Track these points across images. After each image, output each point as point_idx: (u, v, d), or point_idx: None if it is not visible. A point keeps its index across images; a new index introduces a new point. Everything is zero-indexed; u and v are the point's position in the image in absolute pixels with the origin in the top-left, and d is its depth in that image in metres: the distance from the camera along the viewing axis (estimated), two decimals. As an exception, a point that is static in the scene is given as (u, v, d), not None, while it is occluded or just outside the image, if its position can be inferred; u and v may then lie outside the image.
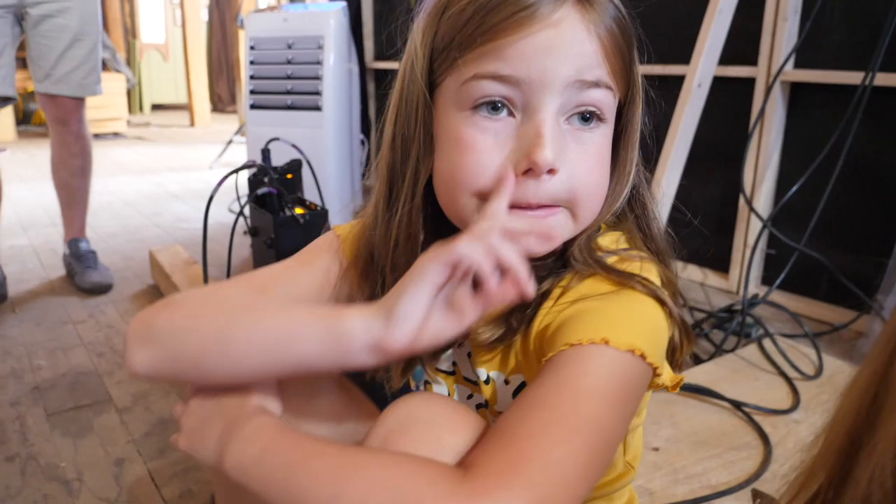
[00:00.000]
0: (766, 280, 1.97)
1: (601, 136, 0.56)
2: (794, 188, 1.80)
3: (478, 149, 0.53)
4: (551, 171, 0.52)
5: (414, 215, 0.58)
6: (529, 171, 0.52)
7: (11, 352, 1.75)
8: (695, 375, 1.43)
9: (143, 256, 2.47)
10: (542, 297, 0.57)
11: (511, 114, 0.53)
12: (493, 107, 0.53)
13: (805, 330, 1.64)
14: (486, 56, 0.51)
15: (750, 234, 1.98)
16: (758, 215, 1.88)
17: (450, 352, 0.66)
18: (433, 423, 0.51)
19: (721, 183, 2.08)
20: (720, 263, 2.11)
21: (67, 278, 2.29)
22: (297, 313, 0.53)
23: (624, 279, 0.54)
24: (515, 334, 0.58)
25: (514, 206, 0.53)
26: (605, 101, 0.55)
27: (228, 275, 1.46)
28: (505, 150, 0.53)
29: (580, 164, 0.54)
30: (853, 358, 1.54)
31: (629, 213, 0.62)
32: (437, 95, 0.56)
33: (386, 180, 0.61)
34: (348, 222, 0.71)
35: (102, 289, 2.16)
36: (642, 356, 0.49)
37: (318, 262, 0.68)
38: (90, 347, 1.78)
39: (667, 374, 0.55)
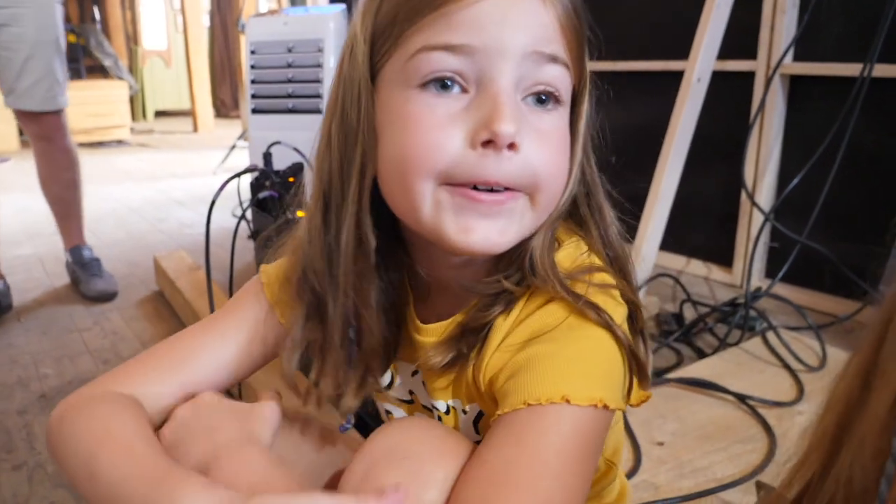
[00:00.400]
0: (770, 273, 1.97)
1: (559, 118, 0.52)
2: (795, 181, 1.80)
3: (429, 124, 0.47)
4: (512, 147, 0.47)
5: (362, 218, 0.52)
6: (489, 143, 0.46)
7: (18, 360, 1.76)
8: (699, 370, 1.43)
9: (147, 263, 2.48)
10: (497, 320, 0.53)
11: (464, 90, 0.48)
12: (443, 84, 0.47)
13: (808, 322, 1.64)
14: (435, 25, 0.47)
15: (752, 227, 1.98)
16: (759, 209, 1.87)
17: (399, 382, 0.63)
18: (419, 455, 0.48)
19: (722, 177, 2.07)
20: (723, 257, 2.11)
21: (72, 286, 2.30)
22: (132, 464, 0.47)
23: (580, 309, 0.50)
24: (467, 360, 0.54)
25: (473, 182, 0.47)
26: (563, 80, 0.51)
27: (231, 279, 1.46)
28: (458, 124, 0.47)
29: (541, 146, 0.49)
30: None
31: (589, 217, 0.57)
32: (379, 81, 0.51)
33: (323, 186, 0.54)
34: (278, 260, 0.66)
35: (108, 296, 2.17)
36: (605, 406, 0.47)
37: (242, 314, 0.63)
38: (96, 355, 1.79)
39: (632, 396, 0.54)
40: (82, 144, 6.12)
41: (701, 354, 1.56)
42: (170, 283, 2.09)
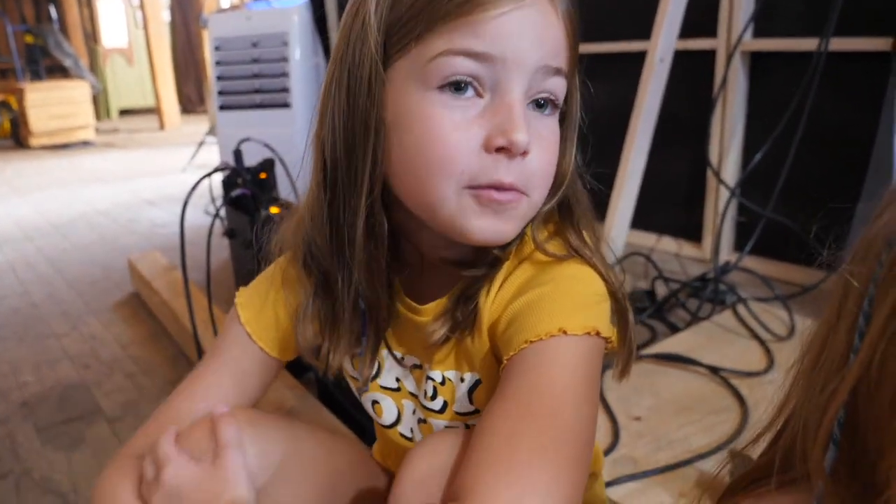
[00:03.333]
0: (738, 246, 2.02)
1: (554, 121, 0.56)
2: (759, 155, 1.84)
3: (449, 127, 0.50)
4: (524, 154, 0.51)
5: (376, 207, 0.54)
6: (503, 149, 0.50)
7: (-4, 369, 1.75)
8: (672, 344, 1.47)
9: (121, 265, 2.47)
10: (485, 286, 0.57)
11: (478, 94, 0.51)
12: (458, 87, 0.50)
13: (776, 293, 1.68)
14: (460, 31, 0.49)
15: (719, 203, 2.02)
16: (725, 185, 1.91)
17: (394, 368, 0.66)
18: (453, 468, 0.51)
19: (689, 154, 2.11)
20: (693, 233, 2.15)
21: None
22: None
23: (561, 257, 0.56)
24: (464, 328, 0.58)
25: (488, 186, 0.51)
26: (561, 88, 0.54)
27: (208, 278, 1.47)
28: (474, 129, 0.51)
29: (542, 150, 0.53)
30: (824, 317, 1.59)
31: (574, 207, 0.60)
32: (391, 72, 0.52)
33: (326, 173, 0.56)
34: (254, 280, 0.70)
35: None
36: (598, 333, 0.52)
37: (228, 358, 0.67)
38: (76, 360, 1.78)
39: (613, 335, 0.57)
40: (46, 147, 6.03)
41: (674, 329, 1.60)
42: (146, 284, 2.08)
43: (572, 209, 0.60)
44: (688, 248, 2.15)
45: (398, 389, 0.66)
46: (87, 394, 1.59)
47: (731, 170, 2.00)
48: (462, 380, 0.61)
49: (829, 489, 0.34)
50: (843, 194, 1.77)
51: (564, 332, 0.50)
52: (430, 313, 0.60)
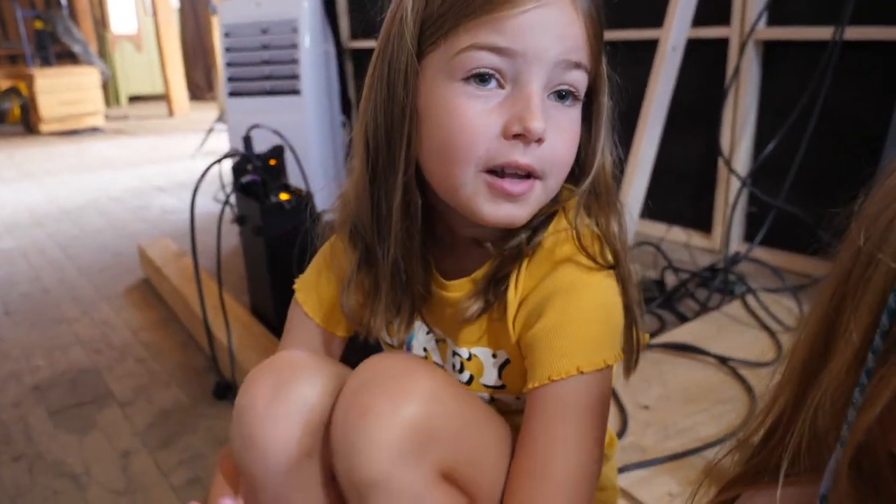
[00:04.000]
0: (749, 237, 2.01)
1: (575, 112, 0.59)
2: (771, 146, 1.83)
3: (471, 114, 0.55)
4: (539, 141, 0.55)
5: (410, 185, 0.60)
6: (520, 136, 0.55)
7: (9, 354, 1.76)
8: (682, 334, 1.47)
9: (131, 251, 2.48)
10: (514, 270, 0.63)
11: (500, 85, 0.55)
12: (482, 79, 0.55)
13: (786, 283, 1.68)
14: (484, 27, 0.53)
15: (730, 193, 2.01)
16: (736, 174, 1.90)
17: (423, 338, 0.71)
18: (397, 376, 0.58)
19: (700, 144, 2.10)
20: (703, 223, 2.14)
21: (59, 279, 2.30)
22: None
23: (584, 266, 0.60)
24: (492, 309, 0.63)
25: (504, 167, 0.56)
26: (582, 82, 0.58)
27: (219, 264, 1.48)
28: (494, 117, 0.55)
29: (560, 138, 0.57)
30: (834, 308, 1.59)
31: (601, 196, 0.64)
32: (424, 64, 0.57)
33: (368, 154, 0.61)
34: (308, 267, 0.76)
35: None
36: (608, 366, 0.60)
37: (293, 338, 0.75)
38: (87, 345, 1.80)
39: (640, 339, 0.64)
40: (56, 133, 6.04)
41: (683, 319, 1.60)
42: (156, 270, 2.09)
43: (599, 199, 0.63)
44: (697, 238, 2.15)
45: (425, 359, 0.72)
46: (99, 378, 1.61)
47: (742, 160, 1.99)
48: (494, 356, 0.66)
49: (843, 490, 0.34)
50: (856, 186, 1.76)
51: (581, 372, 0.58)
52: (456, 289, 0.66)
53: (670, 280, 1.81)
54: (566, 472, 0.58)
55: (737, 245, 2.00)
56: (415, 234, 0.62)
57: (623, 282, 0.61)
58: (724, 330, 1.49)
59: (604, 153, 0.63)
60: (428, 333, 0.71)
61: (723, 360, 1.34)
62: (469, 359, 0.67)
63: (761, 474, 0.43)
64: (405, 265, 0.64)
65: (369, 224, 0.63)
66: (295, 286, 0.76)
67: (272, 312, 1.64)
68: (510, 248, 0.61)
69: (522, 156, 0.55)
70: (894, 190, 0.36)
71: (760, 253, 1.91)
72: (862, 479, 0.35)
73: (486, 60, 0.54)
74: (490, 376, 0.67)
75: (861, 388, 0.32)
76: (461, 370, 0.68)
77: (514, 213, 0.58)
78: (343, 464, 0.57)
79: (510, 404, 0.69)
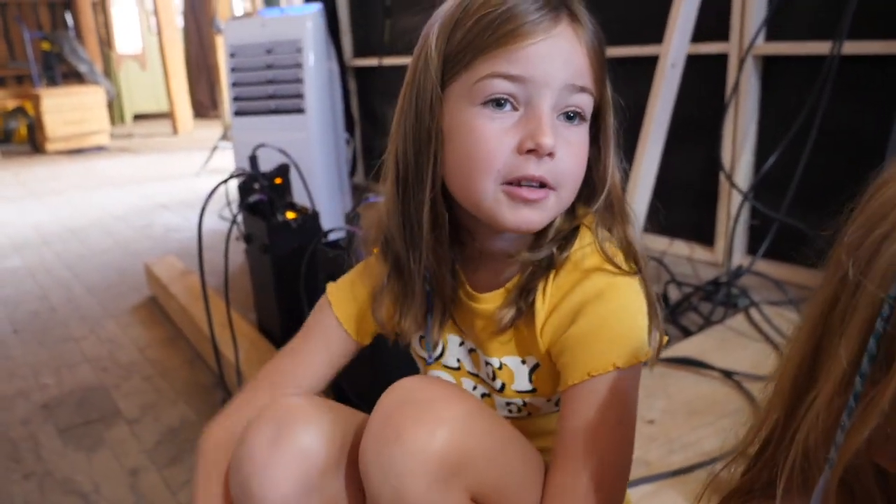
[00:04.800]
0: (751, 250, 2.02)
1: (583, 131, 0.66)
2: (772, 159, 1.85)
3: (489, 134, 0.62)
4: (550, 155, 0.61)
5: (438, 200, 0.66)
6: (532, 151, 0.61)
7: (17, 372, 1.78)
8: (686, 348, 1.48)
9: (137, 269, 2.50)
10: (541, 281, 0.67)
11: (514, 108, 0.62)
12: (498, 103, 0.62)
13: (789, 296, 1.68)
14: (499, 59, 0.61)
15: (732, 206, 2.03)
16: (737, 188, 1.92)
17: (456, 350, 0.76)
18: (428, 401, 0.61)
19: (701, 158, 2.12)
20: (706, 237, 2.15)
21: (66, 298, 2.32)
22: None
23: (612, 271, 0.65)
24: (522, 318, 0.68)
25: (520, 179, 0.62)
26: (588, 103, 0.65)
27: (226, 282, 1.49)
28: (510, 136, 0.62)
29: (568, 154, 0.63)
30: (837, 320, 1.59)
31: (613, 209, 0.69)
32: (448, 93, 0.64)
33: (398, 173, 0.68)
34: (344, 276, 0.81)
35: None
36: (639, 361, 0.64)
37: (314, 342, 0.79)
38: (94, 363, 1.81)
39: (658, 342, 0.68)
40: (62, 152, 6.09)
41: (686, 333, 1.61)
42: (163, 288, 2.11)
43: (614, 215, 0.69)
44: (700, 252, 2.16)
45: (458, 368, 0.76)
46: (106, 396, 1.62)
47: (743, 173, 2.00)
48: (524, 362, 0.71)
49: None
50: (857, 198, 1.77)
51: (617, 368, 0.63)
52: (488, 301, 0.71)
53: (673, 294, 1.82)
54: (605, 457, 0.62)
55: (739, 258, 2.01)
56: (444, 241, 0.68)
57: (644, 283, 0.67)
58: (727, 343, 1.50)
59: (613, 169, 0.70)
60: (461, 345, 0.75)
61: (727, 374, 1.35)
62: (500, 368, 0.72)
63: (756, 490, 0.44)
64: (436, 269, 0.70)
65: (400, 236, 0.69)
66: (328, 289, 0.80)
67: (279, 329, 1.66)
68: (541, 259, 0.67)
69: (536, 169, 0.61)
70: (877, 213, 0.36)
71: (763, 266, 1.92)
72: (849, 493, 0.36)
73: (502, 87, 0.61)
74: (521, 382, 0.71)
75: (849, 410, 0.33)
76: (493, 378, 0.73)
77: (532, 218, 0.63)
78: (375, 487, 0.59)
79: (541, 408, 0.73)
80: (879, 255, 0.34)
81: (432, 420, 0.58)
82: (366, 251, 0.79)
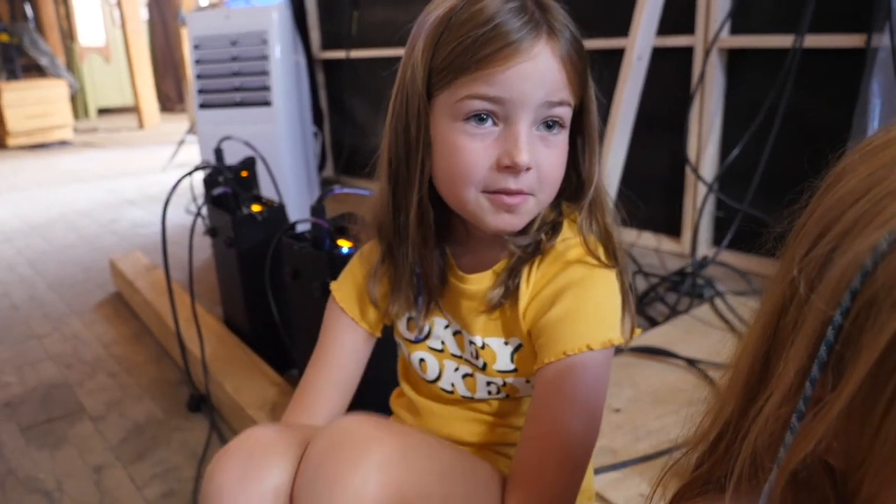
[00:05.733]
0: (717, 241, 2.05)
1: (562, 139, 0.70)
2: (736, 151, 1.87)
3: (469, 150, 0.66)
4: (528, 170, 0.65)
5: (424, 202, 0.70)
6: (510, 167, 0.65)
7: (-23, 371, 1.74)
8: (651, 337, 1.50)
9: (102, 265, 2.46)
10: (527, 266, 0.72)
11: (494, 123, 0.66)
12: (480, 118, 0.66)
13: (753, 287, 1.71)
14: (477, 81, 0.64)
15: (697, 198, 2.05)
16: (703, 180, 1.94)
17: (441, 332, 0.79)
18: (365, 441, 0.61)
19: (668, 150, 2.14)
20: (672, 228, 2.18)
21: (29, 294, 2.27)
22: None
23: (590, 262, 0.70)
24: (508, 300, 0.73)
25: (498, 191, 0.66)
26: (566, 114, 0.68)
27: (191, 277, 1.47)
28: (489, 151, 0.66)
29: (546, 161, 0.67)
30: (799, 309, 1.62)
31: (599, 208, 0.74)
32: (433, 104, 0.68)
33: (391, 171, 0.72)
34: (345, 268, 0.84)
35: None
36: (612, 344, 0.68)
37: (334, 337, 0.83)
38: (58, 360, 1.78)
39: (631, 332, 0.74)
40: (24, 147, 5.96)
41: (653, 323, 1.63)
42: (128, 284, 2.08)
43: (597, 210, 0.73)
44: (667, 243, 2.18)
45: (441, 350, 0.80)
46: (70, 393, 1.59)
47: (708, 165, 2.03)
48: (506, 343, 0.75)
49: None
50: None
51: (591, 349, 0.67)
52: (475, 282, 0.75)
53: (640, 285, 1.84)
54: (572, 433, 0.66)
55: (705, 249, 2.04)
56: (429, 239, 0.72)
57: (620, 276, 0.72)
58: (692, 333, 1.52)
59: (597, 165, 0.73)
60: (447, 327, 0.79)
61: (692, 363, 1.37)
62: (483, 347, 0.75)
63: (712, 482, 0.44)
64: (421, 264, 0.74)
65: (391, 227, 0.74)
66: (332, 287, 0.84)
67: (245, 323, 1.64)
68: (529, 245, 0.72)
69: (515, 183, 0.66)
70: (832, 209, 0.35)
71: (728, 257, 1.95)
72: (803, 485, 0.36)
73: (481, 106, 0.65)
74: (503, 362, 0.75)
75: (799, 414, 0.33)
76: (476, 356, 0.76)
77: (512, 221, 0.68)
78: None
79: (520, 389, 0.76)
80: (831, 266, 0.33)
81: (366, 463, 0.59)
82: (364, 237, 0.83)
